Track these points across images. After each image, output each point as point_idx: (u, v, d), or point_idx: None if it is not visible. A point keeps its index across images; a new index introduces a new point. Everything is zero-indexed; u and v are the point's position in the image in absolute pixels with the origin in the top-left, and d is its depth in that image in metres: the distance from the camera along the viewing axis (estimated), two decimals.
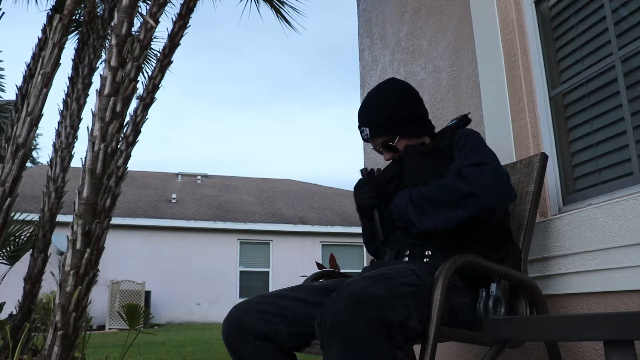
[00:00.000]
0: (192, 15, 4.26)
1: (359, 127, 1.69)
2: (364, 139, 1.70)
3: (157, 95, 4.10)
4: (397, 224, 1.54)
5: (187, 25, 4.23)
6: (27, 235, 4.01)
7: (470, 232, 1.47)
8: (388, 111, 1.65)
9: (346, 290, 1.17)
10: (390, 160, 1.69)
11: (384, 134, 1.65)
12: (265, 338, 1.41)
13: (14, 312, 3.81)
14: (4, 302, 3.47)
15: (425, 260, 1.47)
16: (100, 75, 2.82)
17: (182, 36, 4.20)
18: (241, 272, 14.91)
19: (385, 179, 1.69)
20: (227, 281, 14.59)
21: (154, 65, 4.50)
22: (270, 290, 13.41)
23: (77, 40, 4.71)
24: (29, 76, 4.11)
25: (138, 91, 3.83)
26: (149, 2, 4.37)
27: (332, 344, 1.12)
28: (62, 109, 4.28)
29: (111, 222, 3.39)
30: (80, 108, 4.25)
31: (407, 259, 1.51)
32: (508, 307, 1.47)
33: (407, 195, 1.50)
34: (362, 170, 1.69)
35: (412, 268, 1.32)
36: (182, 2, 4.27)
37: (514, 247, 1.56)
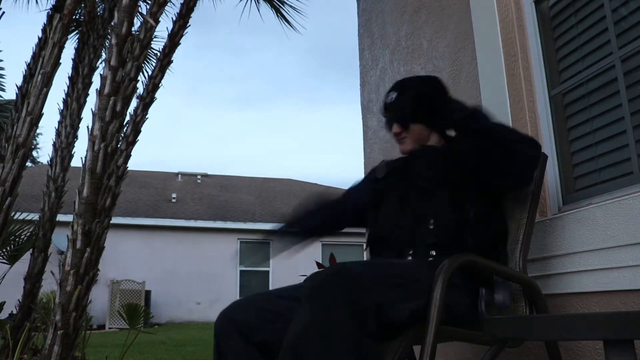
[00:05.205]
0: (192, 15, 4.27)
1: (390, 91, 1.67)
2: (385, 103, 1.67)
3: (157, 94, 4.11)
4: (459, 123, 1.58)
5: (187, 25, 4.23)
6: (27, 234, 4.01)
7: (471, 231, 1.46)
8: (427, 92, 1.64)
9: (338, 265, 1.25)
10: (394, 133, 1.67)
11: (407, 107, 1.61)
12: (260, 342, 1.35)
13: (14, 312, 3.81)
14: (4, 302, 3.47)
15: (430, 259, 1.47)
16: (100, 74, 2.83)
17: (182, 36, 4.20)
18: (241, 271, 14.91)
19: (386, 171, 1.69)
20: (227, 281, 14.58)
21: (154, 64, 4.50)
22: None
23: (77, 40, 4.71)
24: (29, 76, 4.11)
25: (138, 91, 3.83)
26: (149, 2, 4.37)
27: (305, 306, 1.17)
28: (62, 108, 4.27)
29: (111, 222, 3.40)
30: (80, 107, 4.25)
31: (410, 257, 1.50)
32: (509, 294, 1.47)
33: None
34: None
35: (414, 265, 1.33)
36: (182, 1, 4.27)
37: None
